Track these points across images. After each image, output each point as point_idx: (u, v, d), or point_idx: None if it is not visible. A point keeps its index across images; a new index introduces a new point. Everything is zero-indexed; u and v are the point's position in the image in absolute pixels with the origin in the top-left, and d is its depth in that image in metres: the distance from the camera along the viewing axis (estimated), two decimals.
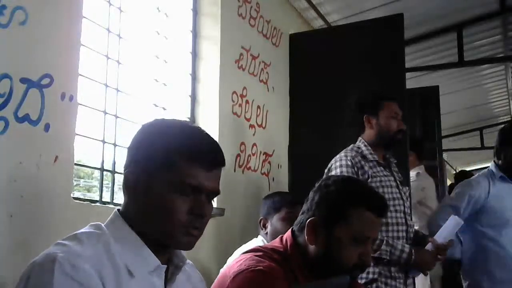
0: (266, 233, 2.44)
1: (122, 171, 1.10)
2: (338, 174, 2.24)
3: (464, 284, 2.68)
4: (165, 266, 1.05)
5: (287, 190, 3.53)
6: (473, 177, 2.79)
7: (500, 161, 2.64)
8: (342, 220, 1.40)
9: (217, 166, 1.07)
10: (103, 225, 1.03)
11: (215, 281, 1.41)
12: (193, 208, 1.02)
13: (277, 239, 1.54)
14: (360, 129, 2.42)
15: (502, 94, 8.07)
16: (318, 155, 2.61)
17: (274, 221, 2.43)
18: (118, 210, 1.08)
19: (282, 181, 3.60)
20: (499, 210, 2.53)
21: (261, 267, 1.30)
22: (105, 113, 2.27)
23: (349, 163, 2.25)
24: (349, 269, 1.38)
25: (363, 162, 2.27)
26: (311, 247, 1.43)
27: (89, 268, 0.90)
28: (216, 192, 1.08)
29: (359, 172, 2.24)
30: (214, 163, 1.06)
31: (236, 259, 1.41)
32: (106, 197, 2.25)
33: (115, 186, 2.29)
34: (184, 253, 1.14)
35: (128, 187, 1.04)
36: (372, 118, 2.37)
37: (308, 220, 1.44)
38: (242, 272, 1.30)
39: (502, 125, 2.82)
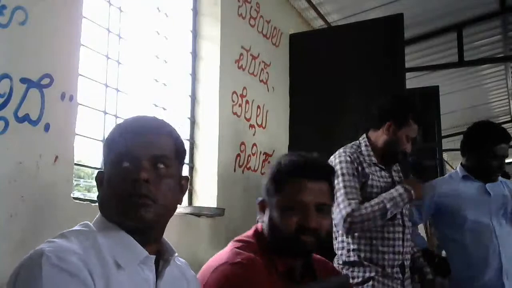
0: None
1: None
2: (338, 170, 2.23)
3: None
4: (154, 256, 1.06)
5: None
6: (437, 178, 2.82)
7: (466, 162, 2.65)
8: (278, 190, 1.42)
9: (145, 132, 1.07)
10: (90, 223, 1.05)
11: (200, 271, 1.42)
12: (128, 174, 1.02)
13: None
14: (369, 128, 2.38)
15: (502, 94, 8.08)
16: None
17: None
18: None
19: None
20: (456, 209, 2.52)
21: (240, 260, 1.33)
22: (105, 113, 2.27)
23: (349, 159, 2.24)
24: (293, 237, 1.37)
25: (361, 159, 2.27)
26: (264, 225, 1.45)
27: (77, 260, 0.92)
28: (159, 156, 1.06)
29: (359, 168, 2.23)
30: (139, 129, 1.07)
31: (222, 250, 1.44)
32: None
33: None
34: (178, 251, 1.15)
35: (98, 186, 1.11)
36: (393, 127, 2.32)
37: (258, 201, 1.48)
38: (221, 265, 1.33)
39: (502, 125, 2.82)
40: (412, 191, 2.16)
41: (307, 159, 1.45)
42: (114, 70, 2.36)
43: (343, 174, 2.20)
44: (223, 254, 1.39)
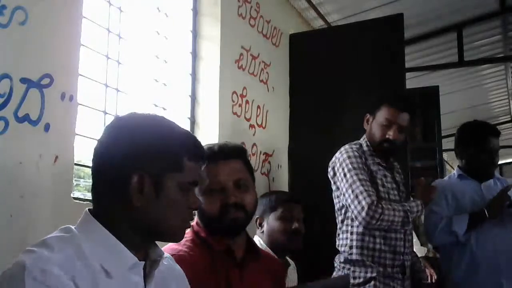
0: (262, 232, 2.43)
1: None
2: (349, 164, 2.21)
3: None
4: (143, 262, 1.04)
5: (287, 190, 3.53)
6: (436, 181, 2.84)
7: (461, 164, 2.66)
8: None
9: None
10: (73, 227, 1.02)
11: None
12: (192, 204, 1.08)
13: None
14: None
15: (502, 94, 8.07)
16: (318, 155, 2.60)
17: (271, 220, 2.41)
18: (89, 210, 1.07)
19: (282, 181, 3.60)
20: (454, 210, 2.53)
21: (181, 253, 1.40)
22: (105, 113, 2.27)
23: (356, 154, 2.22)
24: (219, 216, 1.46)
25: (366, 156, 2.26)
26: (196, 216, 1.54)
27: (60, 272, 0.89)
28: None
29: (366, 163, 2.23)
30: (205, 159, 1.15)
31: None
32: None
33: None
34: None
35: (126, 187, 1.02)
36: (370, 117, 2.32)
37: None
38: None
39: (502, 125, 2.83)
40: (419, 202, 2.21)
41: (214, 145, 1.54)
42: (114, 70, 2.36)
43: (354, 168, 2.17)
44: (171, 245, 1.45)
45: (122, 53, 2.40)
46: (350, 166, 2.19)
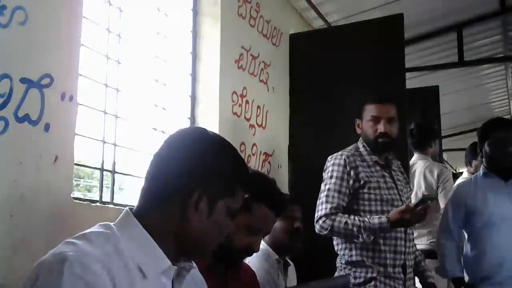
0: None
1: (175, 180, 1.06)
2: (329, 172, 2.26)
3: None
4: (176, 267, 1.05)
5: (287, 190, 3.53)
6: (458, 184, 2.85)
7: (484, 163, 2.67)
8: None
9: None
10: (112, 224, 1.02)
11: None
12: (229, 228, 1.13)
13: None
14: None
15: (502, 94, 8.08)
16: (318, 155, 2.61)
17: None
18: (130, 209, 1.06)
19: (282, 181, 3.60)
20: (483, 210, 2.53)
21: None
22: (105, 113, 2.27)
23: (342, 162, 2.26)
24: None
25: (359, 163, 2.27)
26: None
27: (100, 268, 0.88)
28: None
29: (352, 172, 2.24)
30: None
31: None
32: (106, 197, 2.25)
33: (115, 186, 2.29)
34: None
35: (184, 200, 1.03)
36: (359, 121, 2.37)
37: None
38: None
39: None
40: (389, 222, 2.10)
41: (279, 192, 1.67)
42: (114, 70, 2.36)
43: (331, 177, 2.26)
44: None
45: (122, 53, 2.40)
46: (330, 174, 2.29)
